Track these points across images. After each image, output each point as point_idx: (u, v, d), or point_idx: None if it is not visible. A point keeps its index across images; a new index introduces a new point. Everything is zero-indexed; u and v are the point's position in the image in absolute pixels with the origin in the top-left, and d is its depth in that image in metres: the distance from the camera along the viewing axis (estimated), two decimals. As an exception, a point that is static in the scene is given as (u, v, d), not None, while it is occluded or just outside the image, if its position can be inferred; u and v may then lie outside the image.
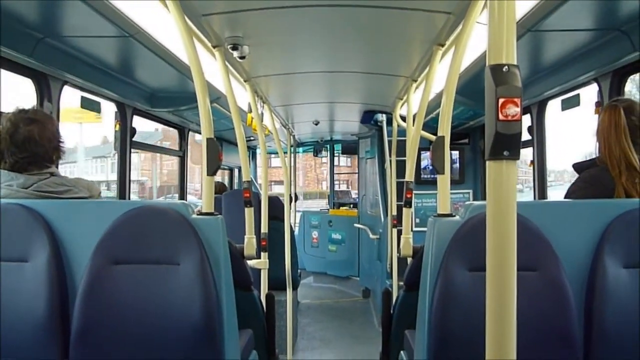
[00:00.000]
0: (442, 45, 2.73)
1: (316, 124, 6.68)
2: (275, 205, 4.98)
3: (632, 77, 2.91)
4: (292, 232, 5.21)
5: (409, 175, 3.14)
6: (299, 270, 5.72)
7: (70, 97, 2.92)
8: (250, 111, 3.77)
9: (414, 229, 5.41)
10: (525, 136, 4.08)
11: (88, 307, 1.86)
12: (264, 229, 3.74)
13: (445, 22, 2.51)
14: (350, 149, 9.57)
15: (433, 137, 2.37)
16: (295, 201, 8.62)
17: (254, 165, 8.95)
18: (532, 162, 4.06)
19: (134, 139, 4.14)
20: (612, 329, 1.75)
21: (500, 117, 1.03)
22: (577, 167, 2.27)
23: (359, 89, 4.71)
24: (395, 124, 4.80)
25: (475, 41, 2.28)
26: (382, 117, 5.61)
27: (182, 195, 5.53)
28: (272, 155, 8.79)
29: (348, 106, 5.61)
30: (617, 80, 2.89)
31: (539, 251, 1.80)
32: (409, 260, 2.88)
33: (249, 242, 2.81)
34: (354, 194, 12.00)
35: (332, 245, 8.62)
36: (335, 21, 2.69)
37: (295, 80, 4.10)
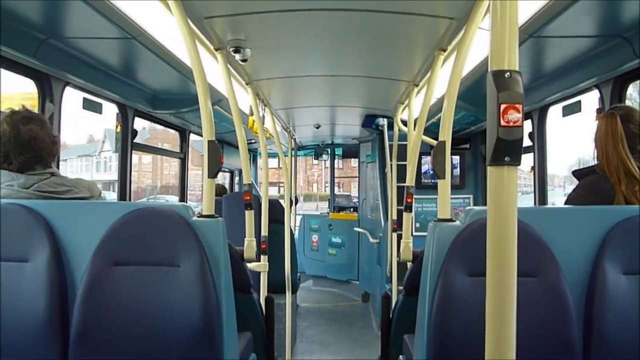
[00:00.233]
0: (444, 50, 2.73)
1: (317, 128, 6.68)
2: (276, 208, 4.98)
3: (635, 82, 2.92)
4: (292, 235, 5.21)
5: (410, 180, 3.14)
6: (298, 274, 5.72)
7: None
8: (252, 114, 3.78)
9: (414, 233, 5.41)
10: (526, 142, 4.08)
11: (88, 308, 1.86)
12: (264, 231, 3.74)
13: (447, 27, 2.51)
14: (351, 152, 9.57)
15: (434, 142, 2.37)
16: (296, 204, 8.62)
17: (255, 168, 8.95)
18: (533, 168, 4.06)
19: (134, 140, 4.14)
20: (612, 335, 1.75)
21: (502, 123, 1.03)
22: (577, 173, 2.27)
23: (360, 93, 4.71)
24: (396, 129, 4.80)
25: (477, 46, 2.29)
26: (383, 122, 5.62)
27: (183, 198, 5.53)
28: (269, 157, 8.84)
29: (349, 110, 5.61)
30: (618, 87, 2.89)
31: (539, 257, 1.79)
32: (409, 264, 2.88)
33: (249, 245, 2.81)
34: (351, 196, 11.99)
35: (332, 249, 8.62)
36: (337, 25, 2.69)
37: (297, 83, 4.10)
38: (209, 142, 2.11)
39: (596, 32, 2.52)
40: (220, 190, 5.88)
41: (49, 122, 2.34)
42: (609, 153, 2.12)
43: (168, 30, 2.51)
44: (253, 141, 6.98)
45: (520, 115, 1.04)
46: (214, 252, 1.93)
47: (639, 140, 2.15)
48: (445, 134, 2.27)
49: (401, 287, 2.84)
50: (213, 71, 3.02)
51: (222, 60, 2.76)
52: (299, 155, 9.72)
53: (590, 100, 3.22)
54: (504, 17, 1.05)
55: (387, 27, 2.67)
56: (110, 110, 3.65)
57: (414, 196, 3.31)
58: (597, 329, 1.76)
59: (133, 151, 4.11)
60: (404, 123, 4.38)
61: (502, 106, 1.03)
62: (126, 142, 4.03)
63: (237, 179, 8.22)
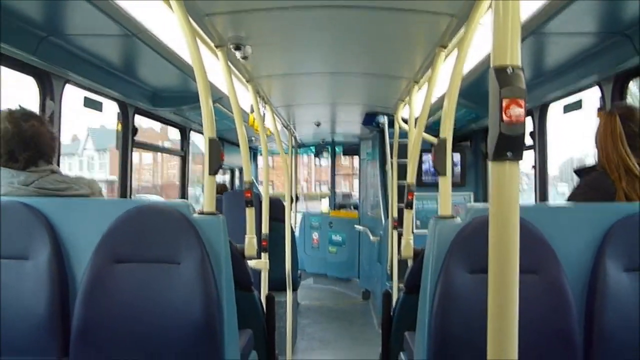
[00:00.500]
0: (445, 47, 2.73)
1: (318, 125, 6.68)
2: (276, 206, 4.98)
3: (636, 79, 2.91)
4: (292, 233, 5.21)
5: (411, 177, 3.14)
6: (299, 272, 5.72)
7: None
8: (252, 112, 3.77)
9: (415, 231, 5.41)
10: (527, 140, 4.08)
11: (89, 305, 1.87)
12: (265, 229, 3.74)
13: (448, 24, 2.51)
14: (351, 150, 9.57)
15: (435, 140, 2.37)
16: (297, 202, 8.62)
17: (255, 165, 8.95)
18: (534, 165, 4.06)
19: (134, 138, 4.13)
20: (613, 332, 1.75)
21: (504, 118, 1.03)
22: (579, 171, 2.27)
23: (361, 91, 4.71)
24: (396, 126, 4.80)
25: (478, 44, 2.28)
26: (383, 119, 5.61)
27: (184, 196, 5.54)
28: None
29: (350, 108, 5.61)
30: (619, 85, 2.88)
31: (540, 254, 1.79)
32: (410, 262, 2.88)
33: (250, 242, 2.81)
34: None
35: (332, 246, 8.62)
36: (338, 22, 2.69)
37: (298, 81, 4.10)
38: (210, 139, 2.11)
39: (597, 29, 2.51)
40: (221, 188, 5.89)
41: (50, 119, 2.34)
42: (609, 151, 2.12)
43: (169, 27, 2.50)
44: (254, 139, 6.97)
45: (522, 110, 1.03)
46: (214, 250, 1.94)
47: (639, 138, 2.15)
48: (446, 132, 2.27)
49: (402, 285, 2.85)
50: (214, 69, 3.01)
51: (222, 57, 2.76)
52: (299, 153, 9.72)
53: (592, 98, 3.22)
54: (506, 12, 1.05)
55: (387, 24, 2.67)
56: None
57: (415, 194, 3.31)
58: (597, 326, 1.77)
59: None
60: (405, 121, 4.38)
61: (505, 101, 1.03)
62: (127, 140, 4.03)
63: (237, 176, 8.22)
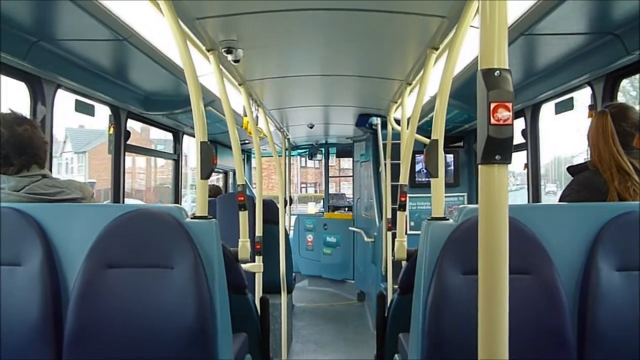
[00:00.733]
0: (436, 49, 2.74)
1: (311, 127, 6.68)
2: (270, 208, 4.97)
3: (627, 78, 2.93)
4: (286, 235, 5.21)
5: (404, 179, 3.14)
6: (293, 274, 5.72)
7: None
8: (245, 114, 3.77)
9: (409, 232, 5.42)
10: (519, 139, 4.10)
11: (81, 310, 1.86)
12: (259, 232, 3.73)
13: (439, 25, 2.52)
14: (345, 152, 9.57)
15: (427, 141, 2.38)
16: (290, 204, 8.61)
17: (249, 168, 8.94)
18: (526, 165, 4.07)
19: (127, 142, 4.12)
20: (606, 331, 1.75)
21: (492, 121, 1.04)
22: (572, 170, 2.28)
23: (353, 93, 4.71)
24: (389, 127, 4.81)
25: (469, 45, 2.29)
26: (376, 121, 5.61)
27: (177, 199, 5.52)
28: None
29: (343, 109, 5.61)
30: (610, 84, 2.90)
31: (532, 254, 1.80)
32: (404, 263, 2.89)
33: (243, 246, 2.80)
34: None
35: (327, 248, 8.61)
36: (329, 25, 2.69)
37: (290, 83, 4.10)
38: (202, 143, 2.11)
39: (587, 29, 2.53)
40: (215, 191, 5.88)
41: (42, 124, 2.33)
42: (601, 150, 2.13)
43: (159, 31, 2.50)
44: (247, 141, 6.96)
45: (510, 113, 1.04)
46: (207, 254, 1.93)
47: (631, 137, 2.16)
48: (438, 133, 2.27)
49: (396, 286, 2.85)
50: (205, 72, 3.01)
51: (214, 61, 2.76)
52: (292, 155, 9.71)
53: (583, 98, 3.24)
54: (493, 15, 1.05)
55: (379, 26, 2.67)
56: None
57: (408, 195, 3.31)
58: (590, 325, 1.77)
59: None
60: (397, 122, 4.39)
61: (492, 104, 1.04)
62: (119, 144, 4.02)
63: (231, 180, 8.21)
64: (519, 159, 4.16)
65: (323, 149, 9.64)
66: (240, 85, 3.63)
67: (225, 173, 8.12)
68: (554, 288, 1.78)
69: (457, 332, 1.77)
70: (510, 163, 1.06)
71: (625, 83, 2.98)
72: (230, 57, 2.85)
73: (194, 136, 4.64)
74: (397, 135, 4.43)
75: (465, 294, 1.75)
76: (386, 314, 2.94)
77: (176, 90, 3.82)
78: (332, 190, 13.01)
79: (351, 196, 9.46)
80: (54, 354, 1.88)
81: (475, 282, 1.11)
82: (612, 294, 1.76)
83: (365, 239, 6.69)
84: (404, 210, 3.22)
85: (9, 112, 2.16)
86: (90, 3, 2.14)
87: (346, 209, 9.43)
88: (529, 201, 4.08)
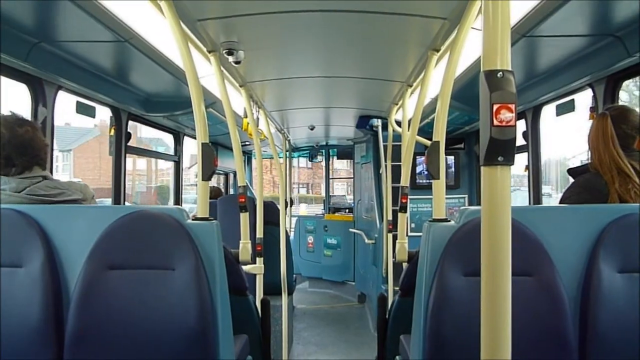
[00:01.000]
0: (437, 51, 2.74)
1: (312, 129, 6.68)
2: (271, 210, 4.97)
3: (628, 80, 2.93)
4: (287, 237, 5.21)
5: (405, 180, 3.14)
6: (294, 275, 5.71)
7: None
8: (246, 116, 3.77)
9: (410, 234, 5.41)
10: (519, 141, 4.09)
11: (82, 312, 1.86)
12: (259, 234, 3.73)
13: (440, 27, 2.51)
14: (345, 153, 9.56)
15: (428, 142, 2.37)
16: (291, 206, 8.60)
17: (250, 169, 8.94)
18: (527, 167, 4.07)
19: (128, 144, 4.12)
20: (607, 333, 1.75)
21: (495, 122, 1.03)
22: (572, 172, 2.28)
23: (354, 94, 4.71)
24: (390, 129, 4.80)
25: (471, 47, 2.29)
26: (377, 122, 5.61)
27: (177, 200, 5.52)
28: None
29: (343, 111, 5.61)
30: (611, 86, 2.90)
31: (534, 256, 1.80)
32: (405, 265, 2.88)
33: (244, 247, 2.80)
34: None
35: (327, 250, 8.61)
36: (330, 26, 2.69)
37: (291, 85, 4.10)
38: (203, 144, 2.11)
39: (589, 31, 2.53)
40: (216, 193, 5.87)
41: (43, 126, 2.33)
42: (601, 153, 2.14)
43: (161, 33, 2.50)
44: (247, 143, 6.96)
45: (513, 114, 1.04)
46: (208, 255, 1.93)
47: (632, 139, 2.17)
48: (439, 134, 2.27)
49: (397, 288, 2.84)
50: (206, 73, 3.00)
51: (215, 62, 2.76)
52: (293, 157, 9.71)
53: (584, 99, 3.24)
54: (496, 17, 1.05)
55: (380, 27, 2.67)
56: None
57: (409, 196, 3.31)
58: (592, 327, 1.77)
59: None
60: (398, 124, 4.38)
61: (495, 106, 1.03)
62: (120, 146, 4.02)
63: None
64: (519, 160, 4.16)
65: (324, 151, 9.64)
66: (241, 86, 3.63)
67: (226, 175, 8.12)
68: (555, 290, 1.78)
69: (458, 334, 1.77)
70: (513, 164, 1.06)
71: (628, 83, 2.98)
72: (231, 59, 2.85)
73: (194, 138, 4.65)
74: (397, 137, 4.43)
75: (467, 296, 1.75)
76: (387, 316, 2.94)
77: (177, 91, 3.82)
78: (323, 192, 13.04)
79: (344, 196, 9.43)
80: (55, 355, 1.88)
81: (476, 283, 1.11)
82: (614, 296, 1.76)
83: (366, 240, 6.69)
84: (405, 211, 3.22)
85: (10, 114, 2.16)
86: (92, 4, 2.14)
87: (347, 210, 9.42)
88: (529, 203, 4.07)
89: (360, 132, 6.53)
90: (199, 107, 2.10)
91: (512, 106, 1.04)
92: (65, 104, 3.24)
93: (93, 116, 3.48)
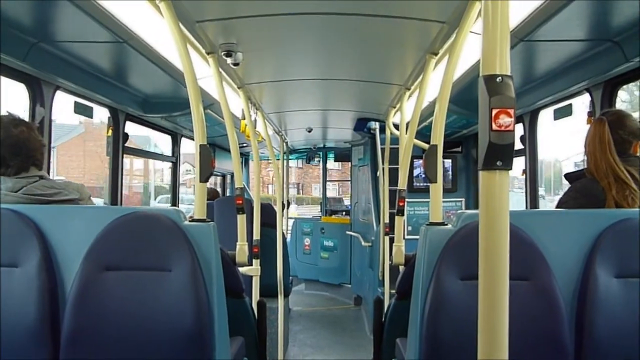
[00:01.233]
0: (436, 54, 2.74)
1: (309, 131, 6.67)
2: (267, 212, 4.97)
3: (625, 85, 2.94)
4: (284, 239, 5.20)
5: (402, 184, 3.14)
6: (290, 278, 5.70)
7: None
8: (244, 118, 3.77)
9: (406, 237, 5.41)
10: (517, 145, 4.10)
11: (79, 313, 1.85)
12: (256, 235, 3.73)
13: (439, 31, 2.52)
14: (343, 156, 9.56)
15: (426, 146, 2.38)
16: (288, 208, 8.59)
17: (247, 171, 8.92)
18: (524, 171, 4.08)
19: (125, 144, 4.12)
20: (603, 337, 1.75)
21: (494, 127, 1.04)
22: (569, 177, 2.29)
23: (352, 97, 4.71)
24: (388, 132, 4.80)
25: (469, 50, 2.29)
26: (375, 125, 5.61)
27: (174, 202, 5.51)
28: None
29: (341, 114, 5.61)
30: (609, 91, 2.91)
31: (530, 260, 1.80)
32: (401, 268, 2.88)
33: (241, 249, 2.80)
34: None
35: (324, 252, 8.60)
36: (329, 29, 2.69)
37: (289, 87, 4.10)
38: (201, 146, 2.11)
39: (587, 36, 2.53)
40: (213, 194, 5.87)
41: (40, 126, 2.33)
42: (598, 159, 2.14)
43: (159, 34, 2.50)
44: (245, 145, 6.96)
45: (511, 119, 1.04)
46: (205, 257, 1.93)
47: (628, 145, 2.17)
48: (437, 138, 2.27)
49: (393, 291, 2.84)
50: (205, 75, 3.00)
51: (213, 64, 2.75)
52: (290, 159, 9.70)
53: (582, 101, 3.25)
54: (495, 21, 1.05)
55: (378, 30, 2.67)
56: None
57: (406, 200, 3.31)
58: (588, 331, 1.77)
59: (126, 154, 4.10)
60: (396, 127, 4.38)
61: (494, 111, 1.04)
62: (117, 146, 4.02)
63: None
64: (516, 164, 4.16)
65: (321, 153, 9.64)
66: (239, 88, 3.63)
67: (223, 176, 8.11)
68: (552, 294, 1.79)
69: (455, 337, 1.77)
70: (511, 169, 1.06)
71: (630, 84, 2.99)
72: (229, 61, 2.85)
73: (192, 139, 4.64)
74: (395, 140, 4.43)
75: (463, 300, 1.75)
76: (383, 319, 2.94)
77: (175, 92, 3.82)
78: (315, 193, 13.02)
79: (341, 199, 9.41)
80: (51, 355, 1.87)
81: (473, 287, 1.11)
82: (610, 301, 1.77)
83: (363, 243, 6.68)
84: (402, 215, 3.22)
85: (6, 113, 2.16)
86: (90, 5, 2.14)
87: (343, 213, 9.41)
88: (526, 207, 4.08)
89: (358, 134, 6.54)
90: (197, 109, 2.10)
91: (511, 111, 1.04)
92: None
93: (91, 116, 3.48)
